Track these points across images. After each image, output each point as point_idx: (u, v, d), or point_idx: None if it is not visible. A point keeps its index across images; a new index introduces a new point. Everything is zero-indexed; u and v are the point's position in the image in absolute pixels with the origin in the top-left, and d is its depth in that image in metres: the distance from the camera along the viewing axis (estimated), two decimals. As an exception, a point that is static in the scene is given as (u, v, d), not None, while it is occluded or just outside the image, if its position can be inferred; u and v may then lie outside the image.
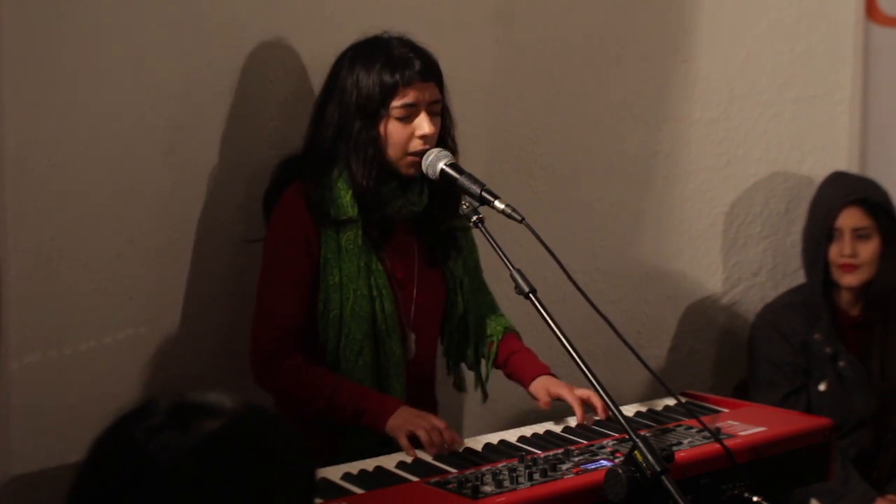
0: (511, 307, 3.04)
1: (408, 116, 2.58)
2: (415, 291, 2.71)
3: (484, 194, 2.46)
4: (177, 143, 2.78)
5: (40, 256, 2.61)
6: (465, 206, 2.47)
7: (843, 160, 3.96)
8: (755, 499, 2.37)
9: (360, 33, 2.68)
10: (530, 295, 2.34)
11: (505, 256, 2.39)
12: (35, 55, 2.54)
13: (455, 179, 2.52)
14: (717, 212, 3.83)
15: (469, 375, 2.89)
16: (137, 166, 2.73)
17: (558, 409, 2.69)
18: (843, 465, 3.34)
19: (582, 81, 3.50)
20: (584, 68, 3.49)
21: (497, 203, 2.44)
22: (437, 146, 2.62)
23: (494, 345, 2.82)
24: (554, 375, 2.74)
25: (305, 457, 1.38)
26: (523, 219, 2.41)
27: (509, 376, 2.82)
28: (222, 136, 2.85)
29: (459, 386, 2.88)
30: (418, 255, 2.74)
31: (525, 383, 2.74)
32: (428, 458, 2.41)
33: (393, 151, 2.60)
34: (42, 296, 2.62)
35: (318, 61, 2.92)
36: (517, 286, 2.36)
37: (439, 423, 2.47)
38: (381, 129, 2.59)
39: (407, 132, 2.59)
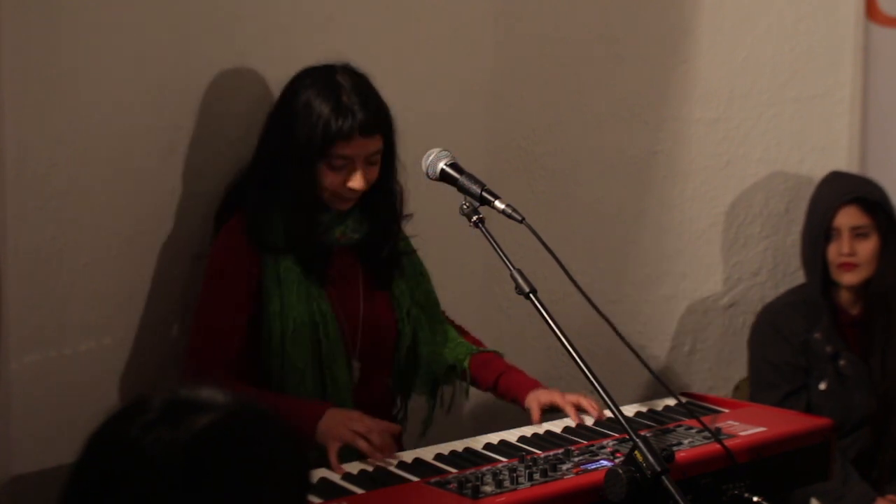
0: (511, 307, 3.04)
1: (343, 167, 2.58)
2: (360, 318, 2.68)
3: (484, 194, 2.46)
4: (177, 143, 2.78)
5: (40, 256, 2.60)
6: (465, 206, 2.47)
7: (843, 160, 3.96)
8: (755, 499, 2.37)
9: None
10: (530, 295, 2.33)
11: (505, 256, 2.39)
12: (35, 55, 2.54)
13: (455, 179, 2.52)
14: (717, 212, 3.83)
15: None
16: (137, 166, 2.73)
17: (555, 412, 2.69)
18: (843, 465, 3.33)
19: (582, 81, 3.49)
20: (584, 68, 3.49)
21: (497, 203, 2.43)
22: (377, 191, 2.63)
23: (466, 370, 2.79)
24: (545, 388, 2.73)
25: (298, 453, 1.38)
26: (523, 219, 2.40)
27: (502, 397, 2.79)
28: (222, 136, 2.85)
29: (396, 417, 2.81)
30: (363, 280, 2.72)
31: (520, 400, 2.72)
32: (428, 458, 2.40)
33: (325, 193, 2.61)
34: (42, 296, 2.62)
35: (319, 62, 2.92)
36: (517, 286, 2.35)
37: (373, 423, 2.44)
38: (317, 170, 2.58)
39: (340, 179, 2.58)
